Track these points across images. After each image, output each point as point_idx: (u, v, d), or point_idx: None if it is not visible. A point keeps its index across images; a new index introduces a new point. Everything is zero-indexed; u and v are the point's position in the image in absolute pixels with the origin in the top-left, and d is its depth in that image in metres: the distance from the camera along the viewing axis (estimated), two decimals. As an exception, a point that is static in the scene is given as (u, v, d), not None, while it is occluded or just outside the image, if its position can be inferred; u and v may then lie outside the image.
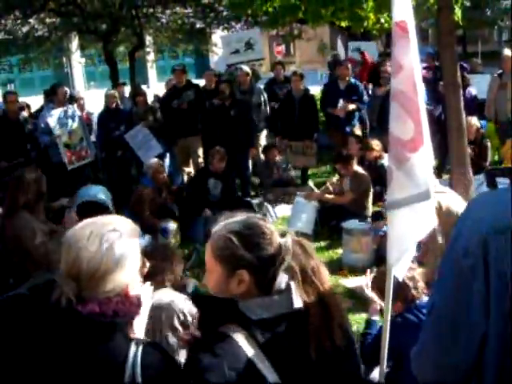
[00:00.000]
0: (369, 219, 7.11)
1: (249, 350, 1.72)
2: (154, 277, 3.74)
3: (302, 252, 1.89)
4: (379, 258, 5.98)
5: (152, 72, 27.58)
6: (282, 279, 1.83)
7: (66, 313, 1.77)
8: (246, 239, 1.83)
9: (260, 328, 1.75)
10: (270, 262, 1.83)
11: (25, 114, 9.83)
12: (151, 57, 22.02)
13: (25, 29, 17.27)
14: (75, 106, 9.01)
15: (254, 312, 1.75)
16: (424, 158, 2.87)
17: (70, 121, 8.51)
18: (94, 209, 5.62)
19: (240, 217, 1.92)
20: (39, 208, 4.93)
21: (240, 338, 1.74)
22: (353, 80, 9.85)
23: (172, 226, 7.59)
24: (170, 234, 7.49)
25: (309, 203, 7.61)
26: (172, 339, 3.47)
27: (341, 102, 9.28)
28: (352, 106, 9.34)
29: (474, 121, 8.59)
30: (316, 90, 12.03)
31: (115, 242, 1.83)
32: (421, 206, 2.89)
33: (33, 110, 11.34)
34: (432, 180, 3.07)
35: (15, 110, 8.80)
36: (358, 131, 9.62)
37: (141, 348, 1.81)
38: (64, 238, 1.86)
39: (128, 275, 1.86)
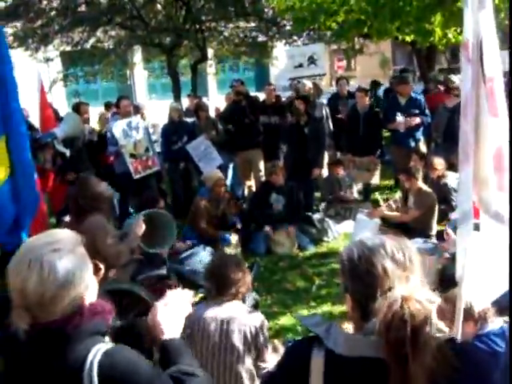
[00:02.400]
0: (433, 238, 6.94)
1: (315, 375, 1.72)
2: (227, 290, 3.75)
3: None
4: (444, 280, 5.80)
5: (212, 84, 27.90)
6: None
7: (25, 342, 1.79)
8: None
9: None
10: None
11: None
12: (212, 69, 22.29)
13: (91, 41, 17.75)
14: (139, 116, 9.13)
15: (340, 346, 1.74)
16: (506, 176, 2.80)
17: (134, 132, 8.61)
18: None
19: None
20: (106, 213, 5.01)
21: (317, 362, 1.74)
22: (413, 94, 9.67)
23: (233, 237, 7.63)
24: (230, 245, 7.51)
25: (371, 220, 7.48)
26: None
27: (399, 116, 9.08)
28: (417, 120, 9.05)
29: None
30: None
31: (56, 263, 1.81)
32: (497, 226, 2.81)
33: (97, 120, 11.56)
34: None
35: (87, 120, 8.96)
36: (422, 147, 9.39)
37: (101, 352, 1.81)
38: (9, 267, 1.84)
39: (79, 289, 1.85)
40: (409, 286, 1.77)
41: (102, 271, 2.07)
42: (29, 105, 9.10)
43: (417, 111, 9.21)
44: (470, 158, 2.90)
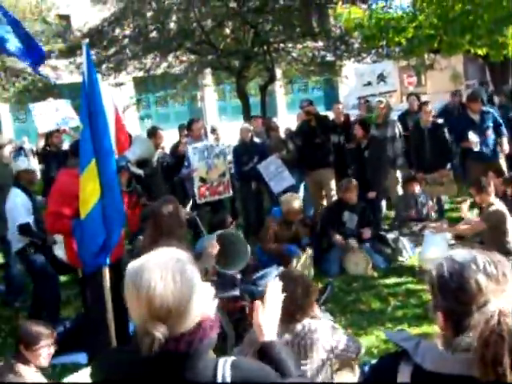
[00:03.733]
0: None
1: None
2: (294, 314, 3.73)
3: None
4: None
5: (281, 105, 28.09)
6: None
7: (160, 358, 1.77)
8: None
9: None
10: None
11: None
12: (281, 90, 22.45)
13: (162, 66, 18.23)
14: (222, 144, 9.21)
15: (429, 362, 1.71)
16: None
17: (211, 156, 8.72)
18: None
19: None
20: (181, 236, 5.08)
21: (403, 377, 1.75)
22: (484, 108, 9.37)
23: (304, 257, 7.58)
24: (298, 255, 7.44)
25: (439, 236, 7.26)
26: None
27: (472, 134, 8.87)
28: (491, 137, 8.82)
29: None
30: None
31: (186, 270, 1.82)
32: None
33: (168, 143, 11.80)
34: None
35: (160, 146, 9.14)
36: (502, 162, 9.13)
37: (228, 366, 1.82)
38: (135, 281, 1.81)
39: (202, 302, 1.84)
40: (504, 300, 1.70)
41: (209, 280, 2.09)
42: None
43: (491, 124, 9.05)
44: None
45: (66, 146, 9.82)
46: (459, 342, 1.72)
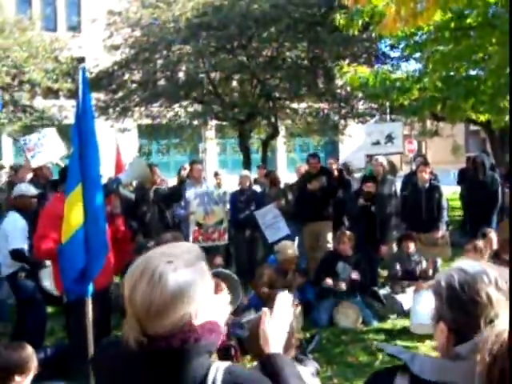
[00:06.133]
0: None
1: None
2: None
3: None
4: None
5: (282, 162, 28.33)
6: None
7: (136, 354, 1.73)
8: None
9: None
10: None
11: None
12: (283, 147, 22.69)
13: (168, 115, 18.47)
14: (222, 191, 9.21)
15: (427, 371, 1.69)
16: None
17: (211, 202, 8.70)
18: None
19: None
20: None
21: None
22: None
23: (295, 307, 7.47)
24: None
25: (428, 294, 7.19)
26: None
27: None
28: None
29: None
30: (448, 191, 11.68)
31: (169, 274, 1.73)
32: None
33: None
34: None
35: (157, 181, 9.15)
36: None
37: (221, 370, 1.75)
38: (125, 275, 1.82)
39: (188, 306, 1.75)
40: None
41: (225, 292, 2.02)
42: (104, 169, 9.40)
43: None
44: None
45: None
46: (460, 350, 1.69)
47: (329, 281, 7.85)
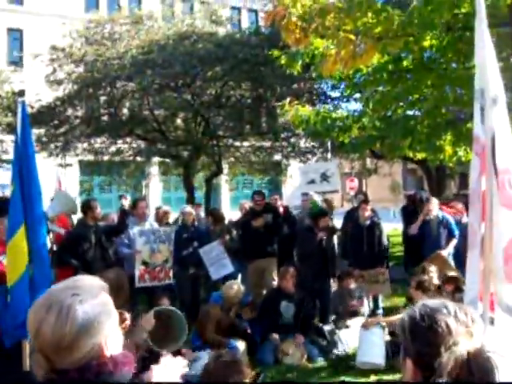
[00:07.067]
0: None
1: None
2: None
3: None
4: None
5: (225, 200, 28.36)
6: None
7: None
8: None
9: None
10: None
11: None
12: (226, 186, 22.78)
13: (111, 151, 18.31)
14: (168, 229, 9.08)
15: None
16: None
17: (157, 240, 8.60)
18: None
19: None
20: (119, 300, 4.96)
21: None
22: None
23: (240, 344, 7.43)
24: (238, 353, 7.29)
25: (375, 334, 7.31)
26: None
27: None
28: None
29: None
30: (388, 228, 11.94)
31: (76, 307, 1.74)
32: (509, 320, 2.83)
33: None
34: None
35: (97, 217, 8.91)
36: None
37: None
38: (29, 310, 1.80)
39: (98, 338, 1.76)
40: (473, 342, 1.75)
41: (128, 322, 2.02)
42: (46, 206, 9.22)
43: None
44: (476, 246, 2.97)
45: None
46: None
47: (275, 337, 7.77)
